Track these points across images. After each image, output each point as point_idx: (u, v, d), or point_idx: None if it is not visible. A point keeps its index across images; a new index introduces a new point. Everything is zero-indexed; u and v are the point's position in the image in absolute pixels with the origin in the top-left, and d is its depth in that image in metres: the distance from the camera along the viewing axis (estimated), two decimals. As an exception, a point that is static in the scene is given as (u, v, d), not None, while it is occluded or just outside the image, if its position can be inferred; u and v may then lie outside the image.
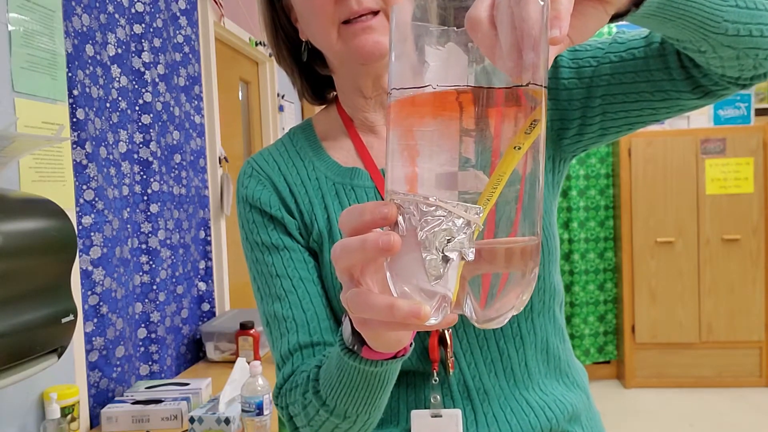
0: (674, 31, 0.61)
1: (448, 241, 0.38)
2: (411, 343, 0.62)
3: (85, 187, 1.77)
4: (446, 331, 0.76)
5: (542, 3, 0.38)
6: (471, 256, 0.38)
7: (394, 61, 0.41)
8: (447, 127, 0.39)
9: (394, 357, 0.61)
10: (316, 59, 0.85)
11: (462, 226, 0.38)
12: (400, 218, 0.40)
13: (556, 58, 0.76)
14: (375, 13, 0.72)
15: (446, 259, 0.38)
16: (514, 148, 0.39)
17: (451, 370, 0.77)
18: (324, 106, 0.91)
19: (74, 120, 1.72)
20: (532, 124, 0.39)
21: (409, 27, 0.40)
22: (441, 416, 0.76)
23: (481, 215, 0.38)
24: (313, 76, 0.88)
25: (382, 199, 0.80)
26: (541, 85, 0.40)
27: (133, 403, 1.75)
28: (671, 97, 0.71)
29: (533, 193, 0.40)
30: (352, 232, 0.42)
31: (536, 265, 0.41)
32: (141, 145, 2.12)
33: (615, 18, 0.53)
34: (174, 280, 2.29)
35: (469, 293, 0.40)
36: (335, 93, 0.89)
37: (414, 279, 0.39)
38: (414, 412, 0.77)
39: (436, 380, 0.77)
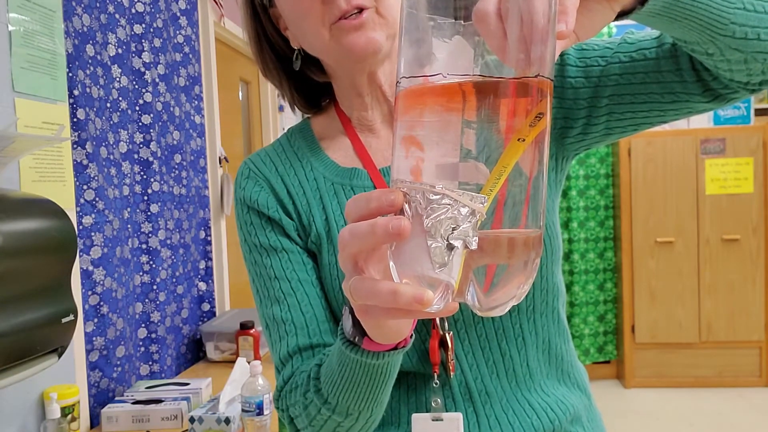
0: (681, 31, 0.60)
1: (453, 229, 0.39)
2: (411, 335, 0.62)
3: (85, 187, 1.77)
4: (447, 333, 0.76)
5: None
6: (474, 245, 0.39)
7: (403, 51, 0.42)
8: (455, 117, 0.40)
9: (395, 348, 0.62)
10: (310, 66, 0.84)
11: (467, 214, 0.39)
12: (406, 206, 0.40)
13: (562, 55, 0.76)
14: (364, 9, 0.72)
15: (451, 247, 0.39)
16: (518, 140, 0.39)
17: (452, 373, 0.76)
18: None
19: (74, 120, 1.72)
20: (537, 116, 0.40)
21: (417, 19, 0.41)
22: (442, 420, 0.76)
23: (485, 204, 0.39)
24: (303, 85, 0.87)
25: None
26: (549, 78, 0.40)
27: (133, 403, 1.75)
28: (681, 99, 0.70)
29: (537, 185, 0.41)
30: (358, 219, 0.43)
31: (538, 256, 0.42)
32: (141, 145, 2.12)
33: (620, 16, 0.53)
34: (174, 280, 2.29)
35: (473, 281, 0.41)
36: (329, 100, 0.88)
37: (418, 266, 0.40)
38: (415, 416, 0.77)
39: (437, 383, 0.77)
